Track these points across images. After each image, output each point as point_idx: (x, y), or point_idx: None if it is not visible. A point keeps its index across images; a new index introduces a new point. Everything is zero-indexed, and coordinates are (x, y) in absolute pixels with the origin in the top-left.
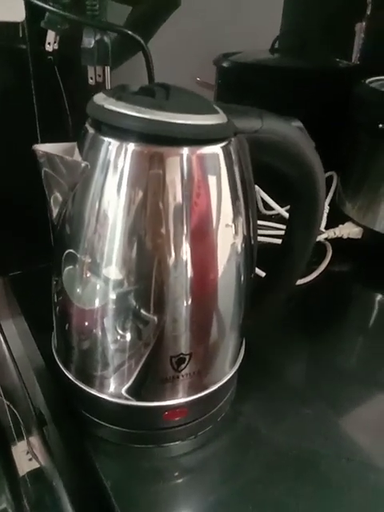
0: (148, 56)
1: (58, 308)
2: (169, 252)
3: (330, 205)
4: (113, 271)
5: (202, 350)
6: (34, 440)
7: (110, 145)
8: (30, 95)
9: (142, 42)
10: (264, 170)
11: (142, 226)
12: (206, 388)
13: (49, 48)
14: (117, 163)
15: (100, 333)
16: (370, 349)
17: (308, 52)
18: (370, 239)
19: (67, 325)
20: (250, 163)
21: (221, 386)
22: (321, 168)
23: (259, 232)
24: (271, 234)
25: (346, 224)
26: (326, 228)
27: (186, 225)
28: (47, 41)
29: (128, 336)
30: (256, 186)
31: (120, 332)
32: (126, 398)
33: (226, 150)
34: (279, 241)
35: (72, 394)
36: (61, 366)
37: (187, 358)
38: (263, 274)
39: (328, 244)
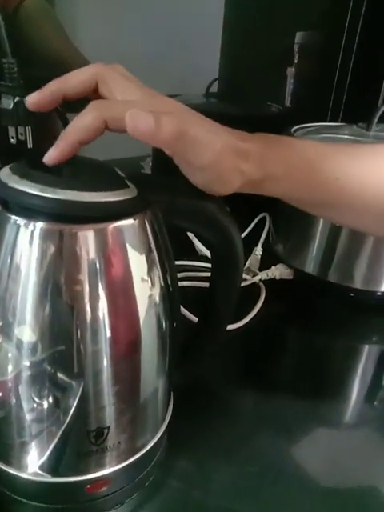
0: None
1: None
2: (84, 322)
3: (263, 246)
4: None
5: (123, 418)
6: None
7: (18, 221)
8: None
9: (62, 110)
10: None
11: (52, 300)
12: (130, 456)
13: None
14: (25, 240)
15: (12, 405)
16: (308, 391)
17: (243, 97)
18: (301, 280)
19: None
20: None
21: (147, 450)
22: (237, 231)
23: (197, 274)
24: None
25: (278, 265)
26: (260, 269)
27: (99, 294)
28: None
29: (42, 410)
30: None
31: (35, 403)
32: (44, 475)
33: (139, 220)
34: None
35: None
36: None
37: (106, 431)
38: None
39: (262, 285)
